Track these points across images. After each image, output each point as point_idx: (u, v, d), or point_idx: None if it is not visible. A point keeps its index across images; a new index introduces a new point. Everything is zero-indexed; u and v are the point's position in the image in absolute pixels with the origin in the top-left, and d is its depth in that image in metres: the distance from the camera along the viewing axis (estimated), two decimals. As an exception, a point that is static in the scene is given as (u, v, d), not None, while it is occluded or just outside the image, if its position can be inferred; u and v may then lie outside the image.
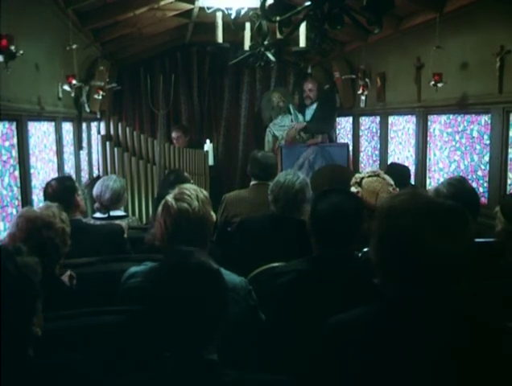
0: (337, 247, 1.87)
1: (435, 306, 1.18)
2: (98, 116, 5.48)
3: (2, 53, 2.46)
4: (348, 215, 1.87)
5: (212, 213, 1.95)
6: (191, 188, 1.89)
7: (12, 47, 2.49)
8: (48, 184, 2.86)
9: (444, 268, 1.14)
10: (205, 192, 1.93)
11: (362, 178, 2.69)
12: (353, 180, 2.72)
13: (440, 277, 1.15)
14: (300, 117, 6.00)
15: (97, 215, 3.40)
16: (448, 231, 1.15)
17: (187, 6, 4.58)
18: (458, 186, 2.56)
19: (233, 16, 3.98)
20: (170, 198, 1.85)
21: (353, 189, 2.68)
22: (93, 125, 5.56)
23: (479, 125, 3.74)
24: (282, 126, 6.04)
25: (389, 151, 5.18)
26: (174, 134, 6.20)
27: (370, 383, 1.20)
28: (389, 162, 4.93)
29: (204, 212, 1.85)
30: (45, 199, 2.78)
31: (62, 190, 2.78)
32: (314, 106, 6.03)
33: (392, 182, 2.71)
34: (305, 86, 6.03)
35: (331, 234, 1.87)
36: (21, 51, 2.56)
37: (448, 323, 1.18)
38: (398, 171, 3.93)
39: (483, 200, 3.64)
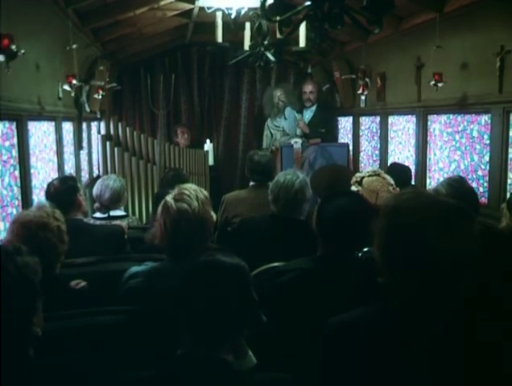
0: (343, 248, 1.88)
1: (438, 306, 1.17)
2: (98, 116, 5.48)
3: (3, 53, 2.45)
4: (355, 218, 1.87)
5: (212, 213, 1.95)
6: (190, 188, 1.88)
7: (13, 47, 2.48)
8: (51, 184, 2.86)
9: (449, 267, 1.13)
10: (205, 192, 1.93)
11: (362, 178, 2.69)
12: (354, 179, 2.72)
13: (445, 277, 1.14)
14: (298, 116, 6.00)
15: (97, 215, 3.40)
16: (452, 230, 1.14)
17: (187, 6, 4.58)
18: (457, 187, 2.56)
19: (233, 16, 3.98)
20: (169, 198, 1.84)
21: (353, 188, 2.67)
22: (93, 124, 5.56)
23: (479, 124, 3.74)
24: (276, 126, 6.04)
25: (389, 151, 5.18)
26: (179, 130, 6.20)
27: (371, 383, 1.20)
28: (389, 162, 4.93)
29: (204, 212, 1.84)
30: (47, 199, 2.78)
31: (64, 189, 2.78)
32: (313, 108, 6.05)
33: (392, 182, 2.71)
34: (305, 88, 6.03)
35: (336, 236, 1.87)
36: (22, 51, 2.56)
37: (451, 323, 1.18)
38: (399, 171, 3.92)
39: (483, 200, 3.64)
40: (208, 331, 1.28)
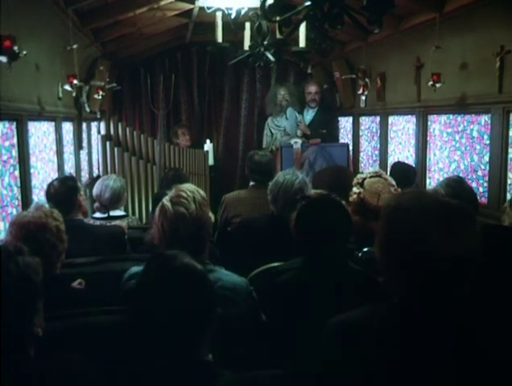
0: (330, 247, 1.90)
1: (439, 306, 1.17)
2: (98, 116, 5.48)
3: (5, 54, 2.45)
4: (335, 219, 1.92)
5: (211, 214, 1.94)
6: (187, 189, 1.87)
7: (15, 48, 2.49)
8: (51, 184, 2.85)
9: (450, 267, 1.13)
10: (202, 192, 1.92)
11: (364, 179, 2.68)
12: (355, 181, 2.72)
13: (446, 276, 1.14)
14: (299, 117, 5.99)
15: (97, 214, 3.40)
16: (453, 230, 1.14)
17: (187, 6, 4.58)
18: (456, 187, 2.56)
19: (233, 16, 3.98)
20: (166, 201, 1.83)
21: (355, 190, 2.67)
22: (93, 124, 5.57)
23: (479, 124, 3.74)
24: (277, 126, 6.02)
25: (389, 151, 5.18)
26: (180, 131, 6.19)
27: (372, 383, 1.19)
28: (389, 162, 4.94)
29: (202, 214, 1.83)
30: (47, 199, 2.77)
31: (64, 190, 2.77)
32: (315, 108, 6.03)
33: (394, 183, 2.71)
34: (310, 89, 5.99)
35: (322, 237, 1.90)
36: (24, 52, 2.56)
37: (452, 323, 1.18)
38: (402, 170, 3.91)
39: (483, 200, 3.64)
40: (177, 336, 1.27)
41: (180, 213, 1.79)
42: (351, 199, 2.64)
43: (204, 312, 1.30)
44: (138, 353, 1.45)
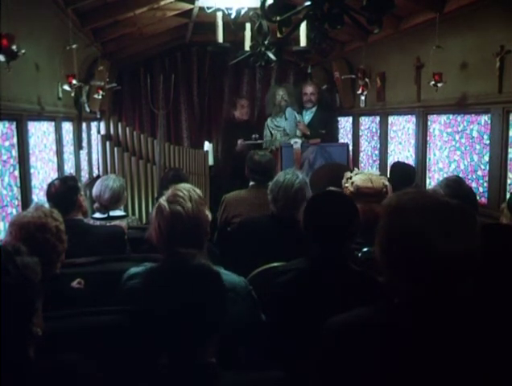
0: (333, 246, 1.89)
1: (439, 306, 1.17)
2: (98, 116, 5.48)
3: (3, 53, 2.45)
4: (340, 214, 1.91)
5: (208, 212, 1.94)
6: (184, 189, 1.87)
7: (13, 47, 2.48)
8: (51, 184, 2.84)
9: (450, 267, 1.13)
10: (199, 191, 1.92)
11: (350, 177, 2.81)
12: (344, 180, 2.85)
13: (446, 277, 1.14)
14: (298, 117, 5.98)
15: (97, 215, 3.40)
16: (454, 230, 1.14)
17: (187, 6, 4.59)
18: (455, 187, 2.57)
19: (233, 16, 3.98)
20: (163, 200, 1.84)
21: (347, 184, 2.78)
22: (93, 124, 5.57)
23: (479, 124, 3.74)
24: (277, 126, 6.01)
25: (389, 151, 5.18)
26: (239, 103, 6.11)
27: (372, 383, 1.19)
28: (389, 162, 4.93)
29: (198, 213, 1.83)
30: (48, 199, 2.77)
31: (65, 190, 2.76)
32: (313, 109, 6.02)
33: (378, 173, 2.87)
34: (306, 89, 5.95)
35: (325, 234, 1.89)
36: (23, 51, 2.56)
37: (452, 323, 1.18)
38: (402, 170, 3.91)
39: (483, 200, 3.65)
40: (186, 336, 1.26)
41: (177, 212, 1.79)
42: (347, 192, 2.69)
43: (215, 315, 1.30)
44: (138, 353, 1.45)
